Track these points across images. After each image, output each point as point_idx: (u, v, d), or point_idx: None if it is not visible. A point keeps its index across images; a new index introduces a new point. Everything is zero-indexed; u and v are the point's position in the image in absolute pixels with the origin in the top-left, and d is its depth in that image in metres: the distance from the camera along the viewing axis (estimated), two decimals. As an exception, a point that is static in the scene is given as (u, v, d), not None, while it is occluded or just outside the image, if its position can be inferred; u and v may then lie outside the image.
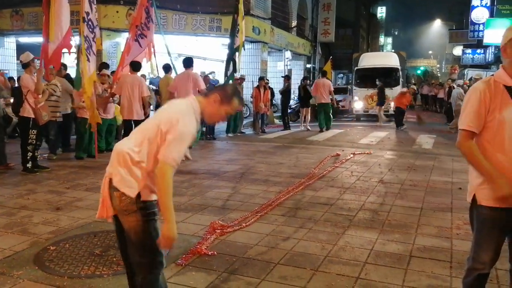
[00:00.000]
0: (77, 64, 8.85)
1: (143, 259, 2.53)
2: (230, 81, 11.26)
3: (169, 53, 9.63)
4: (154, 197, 2.49)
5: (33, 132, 7.28)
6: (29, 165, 7.32)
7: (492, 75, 2.53)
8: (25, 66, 7.18)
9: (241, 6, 11.32)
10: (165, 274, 3.57)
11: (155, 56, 9.49)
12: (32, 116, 7.19)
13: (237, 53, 11.35)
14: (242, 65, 12.96)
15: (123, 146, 2.53)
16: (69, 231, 4.60)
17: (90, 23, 8.28)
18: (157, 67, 9.76)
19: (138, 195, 2.43)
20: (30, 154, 7.31)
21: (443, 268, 3.76)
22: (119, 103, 9.17)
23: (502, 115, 2.39)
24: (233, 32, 11.33)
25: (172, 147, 2.36)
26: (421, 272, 3.67)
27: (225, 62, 11.66)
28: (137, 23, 9.08)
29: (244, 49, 11.95)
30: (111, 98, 9.04)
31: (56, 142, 8.99)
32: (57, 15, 7.46)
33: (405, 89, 16.63)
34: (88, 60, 8.13)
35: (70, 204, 5.58)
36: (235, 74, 11.86)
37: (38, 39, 8.06)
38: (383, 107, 17.66)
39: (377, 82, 17.39)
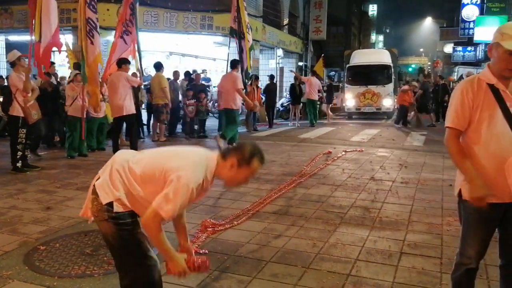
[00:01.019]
0: (73, 61, 8.86)
1: (124, 264, 2.47)
2: (246, 80, 11.86)
3: (139, 50, 9.46)
4: (123, 209, 2.38)
5: (23, 131, 7.22)
6: (19, 164, 7.26)
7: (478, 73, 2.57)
8: (13, 65, 7.13)
9: (241, 5, 11.37)
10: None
11: (139, 54, 9.38)
12: (22, 115, 7.13)
13: (249, 52, 11.81)
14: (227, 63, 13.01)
15: (127, 156, 2.46)
16: (60, 230, 4.57)
17: (93, 3, 8.38)
18: (141, 65, 9.59)
19: (111, 205, 2.34)
20: (20, 153, 7.25)
21: (433, 264, 3.78)
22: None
23: (484, 112, 2.42)
24: (239, 32, 11.42)
25: (170, 201, 2.20)
26: (411, 269, 3.69)
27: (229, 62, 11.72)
28: (122, 20, 9.02)
29: (254, 49, 12.39)
30: (101, 96, 8.99)
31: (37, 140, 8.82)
32: (45, 13, 7.38)
33: (406, 87, 16.40)
34: (92, 43, 8.15)
35: (61, 203, 5.54)
36: (249, 72, 12.29)
37: (27, 37, 7.97)
38: (331, 104, 18.54)
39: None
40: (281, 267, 3.71)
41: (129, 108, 8.41)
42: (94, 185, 2.43)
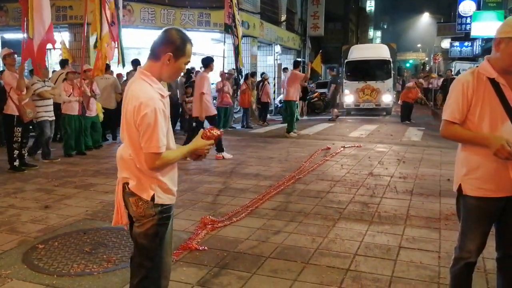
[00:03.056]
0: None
1: (145, 262, 2.43)
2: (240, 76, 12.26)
3: (121, 46, 9.43)
4: (169, 200, 2.41)
5: (18, 129, 7.20)
6: (16, 163, 7.24)
7: (477, 66, 2.54)
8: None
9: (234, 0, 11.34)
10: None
11: (118, 48, 9.32)
12: (16, 113, 7.10)
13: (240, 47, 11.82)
14: (231, 60, 12.95)
15: (124, 152, 2.43)
16: (58, 229, 4.57)
17: None
18: (123, 59, 9.54)
19: (153, 199, 2.35)
20: (16, 152, 7.23)
21: (431, 258, 3.79)
22: None
23: (485, 106, 2.41)
24: (231, 28, 11.36)
25: (148, 137, 2.23)
26: (410, 263, 3.70)
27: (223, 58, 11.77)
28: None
29: (242, 44, 12.39)
30: (92, 92, 9.02)
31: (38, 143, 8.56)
32: (37, 10, 7.32)
33: (411, 84, 16.19)
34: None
35: (59, 202, 5.53)
36: (241, 68, 12.37)
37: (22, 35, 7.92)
38: (306, 102, 18.69)
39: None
40: (281, 262, 3.72)
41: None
42: (125, 189, 2.41)
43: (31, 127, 9.29)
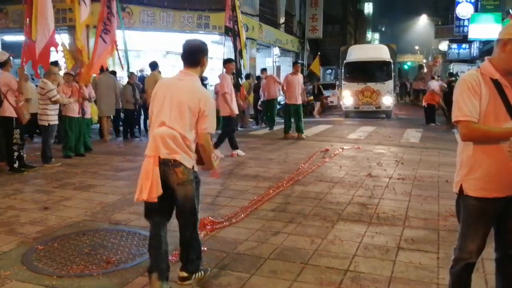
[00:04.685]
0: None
1: (194, 218, 3.28)
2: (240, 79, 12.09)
3: (126, 50, 9.47)
4: (196, 167, 3.25)
5: (17, 131, 7.22)
6: (16, 164, 7.25)
7: (478, 67, 2.53)
8: (2, 65, 7.10)
9: (236, 3, 11.36)
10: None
11: (117, 51, 9.32)
12: (15, 115, 7.11)
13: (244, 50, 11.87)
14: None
15: (170, 130, 3.11)
16: (57, 230, 4.57)
17: None
18: (120, 62, 9.51)
19: (193, 167, 3.19)
20: (16, 153, 7.23)
21: (430, 259, 3.81)
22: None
23: (489, 107, 2.40)
24: (234, 30, 11.37)
25: (209, 121, 3.15)
26: (409, 264, 3.71)
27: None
28: (101, 19, 8.94)
29: (246, 46, 12.36)
30: (87, 95, 9.04)
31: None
32: (41, 12, 7.33)
33: (436, 88, 15.35)
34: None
35: (58, 203, 5.54)
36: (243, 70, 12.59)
37: (23, 38, 7.92)
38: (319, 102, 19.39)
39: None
40: (280, 263, 3.73)
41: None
42: (171, 162, 3.10)
43: (38, 130, 9.28)
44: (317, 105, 19.52)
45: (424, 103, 15.88)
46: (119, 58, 9.27)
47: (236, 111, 9.04)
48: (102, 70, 11.23)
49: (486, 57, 2.54)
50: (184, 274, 3.33)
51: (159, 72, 11.05)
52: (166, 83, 3.28)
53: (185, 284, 3.33)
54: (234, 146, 9.02)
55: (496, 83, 2.41)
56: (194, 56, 3.22)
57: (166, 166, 3.09)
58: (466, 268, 2.61)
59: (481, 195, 2.47)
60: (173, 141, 3.08)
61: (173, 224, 3.38)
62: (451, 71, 23.36)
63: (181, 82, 3.19)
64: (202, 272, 3.42)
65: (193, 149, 3.19)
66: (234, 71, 11.19)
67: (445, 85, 15.89)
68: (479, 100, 2.40)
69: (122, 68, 9.64)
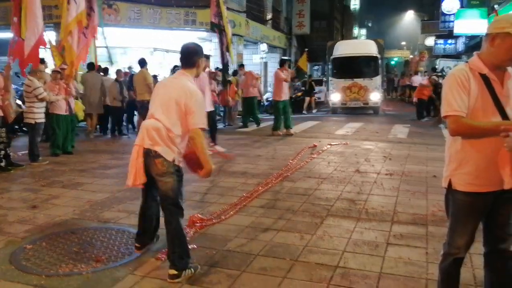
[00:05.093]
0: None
1: (175, 211, 3.42)
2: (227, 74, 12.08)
3: (107, 46, 9.47)
4: (181, 163, 3.46)
5: (2, 130, 7.12)
6: (2, 163, 7.15)
7: (467, 62, 2.54)
8: None
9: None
10: (145, 269, 3.58)
11: (107, 48, 9.28)
12: (0, 114, 7.02)
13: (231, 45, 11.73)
14: (217, 58, 12.93)
15: (155, 122, 3.36)
16: (46, 229, 4.53)
17: None
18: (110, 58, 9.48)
19: (173, 160, 3.35)
20: (2, 152, 7.14)
21: (419, 254, 3.85)
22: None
23: (478, 102, 2.42)
24: (219, 25, 11.30)
25: (196, 116, 3.31)
26: (398, 259, 3.74)
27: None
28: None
29: (232, 42, 12.25)
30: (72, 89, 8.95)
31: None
32: (31, 10, 7.21)
33: (424, 81, 15.66)
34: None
35: (46, 201, 5.48)
36: (230, 66, 12.41)
37: (9, 35, 7.79)
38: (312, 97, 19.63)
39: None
40: (270, 260, 3.74)
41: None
42: (151, 153, 3.34)
43: (25, 129, 9.14)
44: (307, 101, 19.54)
45: (414, 99, 15.93)
46: (109, 55, 9.25)
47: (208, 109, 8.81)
48: (93, 67, 11.16)
49: (474, 52, 2.55)
50: (174, 271, 3.35)
51: (147, 69, 10.96)
52: (163, 82, 3.69)
53: (175, 281, 3.33)
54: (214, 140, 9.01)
55: (484, 77, 2.43)
56: (189, 58, 3.51)
57: (148, 156, 3.36)
58: (454, 263, 2.64)
59: (470, 190, 2.49)
60: (156, 133, 3.32)
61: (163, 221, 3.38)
62: (436, 66, 23.46)
63: (175, 80, 3.51)
64: (192, 269, 3.43)
65: (178, 143, 3.38)
66: (220, 67, 11.16)
67: (435, 77, 15.81)
68: (468, 95, 2.41)
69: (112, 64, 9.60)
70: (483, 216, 2.58)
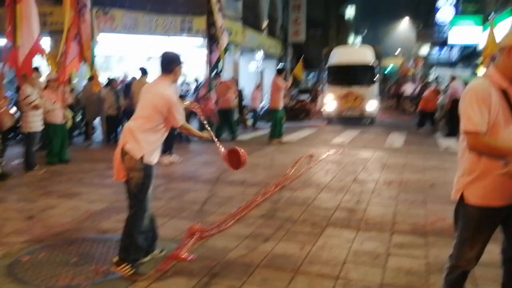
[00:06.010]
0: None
1: (132, 206, 3.67)
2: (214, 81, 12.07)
3: (93, 55, 9.31)
4: (154, 161, 3.71)
5: None
6: (-1, 172, 7.10)
7: (485, 74, 2.50)
8: None
9: (214, 7, 11.32)
10: (145, 282, 3.54)
11: (92, 57, 9.13)
12: None
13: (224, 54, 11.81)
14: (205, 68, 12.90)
15: (131, 122, 3.71)
16: (43, 240, 4.48)
17: None
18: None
19: (142, 158, 3.56)
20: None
21: (419, 264, 3.83)
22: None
23: (498, 117, 2.38)
24: (213, 34, 11.31)
25: (175, 115, 3.65)
26: (399, 269, 3.73)
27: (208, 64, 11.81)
28: (75, 23, 8.76)
29: (230, 50, 12.29)
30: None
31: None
32: (26, 17, 7.16)
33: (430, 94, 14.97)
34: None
35: (43, 212, 5.43)
36: (220, 74, 12.42)
37: (2, 42, 7.74)
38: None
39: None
40: (270, 271, 3.72)
41: None
42: (123, 150, 3.59)
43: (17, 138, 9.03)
44: (313, 108, 20.21)
45: (418, 110, 15.49)
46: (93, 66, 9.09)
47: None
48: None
49: (492, 64, 2.50)
50: (116, 258, 3.63)
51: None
52: (146, 86, 3.91)
53: (118, 270, 3.56)
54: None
55: (504, 92, 2.39)
56: (167, 65, 3.78)
57: (122, 153, 3.62)
58: (462, 276, 2.62)
59: (485, 204, 2.45)
60: (128, 132, 3.64)
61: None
62: (431, 75, 23.59)
63: (154, 85, 3.83)
64: (134, 269, 3.58)
65: (151, 141, 3.64)
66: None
67: (438, 90, 15.38)
68: (489, 110, 2.36)
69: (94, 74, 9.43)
70: (495, 229, 2.55)
